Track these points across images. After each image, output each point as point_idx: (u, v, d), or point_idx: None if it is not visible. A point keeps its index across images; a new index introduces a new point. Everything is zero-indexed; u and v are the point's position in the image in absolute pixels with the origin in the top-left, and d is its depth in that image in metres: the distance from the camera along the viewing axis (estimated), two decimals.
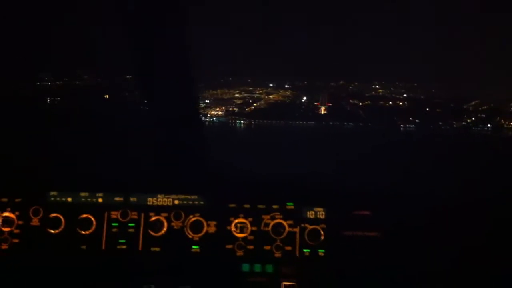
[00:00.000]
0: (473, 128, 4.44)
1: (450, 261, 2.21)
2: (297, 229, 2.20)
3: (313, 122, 4.43)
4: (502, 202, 2.44)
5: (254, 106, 4.56)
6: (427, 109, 4.35)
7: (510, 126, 4.41)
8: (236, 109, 4.55)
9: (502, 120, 4.43)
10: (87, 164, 2.40)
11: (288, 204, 2.21)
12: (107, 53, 2.93)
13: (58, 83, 3.49)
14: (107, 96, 3.36)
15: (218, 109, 4.50)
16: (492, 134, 4.38)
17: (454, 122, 4.45)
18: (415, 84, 4.33)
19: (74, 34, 2.98)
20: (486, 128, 4.45)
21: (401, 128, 4.40)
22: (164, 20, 2.25)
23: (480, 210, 2.37)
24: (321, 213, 2.22)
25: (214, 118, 4.47)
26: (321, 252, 2.21)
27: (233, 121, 4.45)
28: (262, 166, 2.57)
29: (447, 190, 2.53)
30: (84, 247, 2.16)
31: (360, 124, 4.40)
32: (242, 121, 4.46)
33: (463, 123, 4.45)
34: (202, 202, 2.20)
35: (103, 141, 2.69)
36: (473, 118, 4.46)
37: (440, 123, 4.42)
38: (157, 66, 2.32)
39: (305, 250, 2.20)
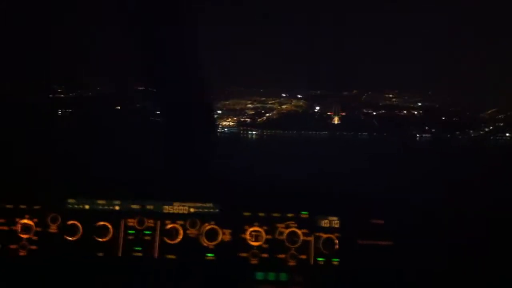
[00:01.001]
0: (491, 137, 4.49)
1: (465, 268, 2.29)
2: (311, 238, 2.30)
3: (326, 132, 4.52)
4: None
5: (266, 116, 4.66)
6: (443, 118, 4.42)
7: None
8: (248, 120, 4.66)
9: None
10: (105, 172, 2.52)
11: (302, 213, 2.31)
12: (121, 63, 3.07)
13: (71, 94, 3.63)
14: (121, 105, 3.49)
15: (229, 119, 4.61)
16: (509, 143, 4.43)
17: (471, 131, 4.51)
18: (430, 93, 4.40)
19: (87, 42, 3.12)
20: (503, 137, 4.50)
21: (417, 138, 4.47)
22: (177, 30, 2.38)
23: (495, 219, 2.45)
24: (335, 222, 2.31)
25: (226, 129, 4.58)
26: (335, 261, 2.30)
27: (245, 131, 4.56)
28: (276, 175, 2.67)
29: (461, 199, 2.62)
30: (101, 254, 2.28)
31: (375, 133, 4.47)
32: (254, 132, 4.56)
33: (481, 132, 4.51)
34: (217, 210, 2.31)
35: (120, 149, 2.81)
36: (490, 127, 4.52)
37: (457, 132, 4.49)
38: (170, 75, 2.45)
39: (319, 259, 2.30)
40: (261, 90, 4.71)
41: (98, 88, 3.64)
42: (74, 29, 3.17)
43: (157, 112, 2.69)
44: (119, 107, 3.51)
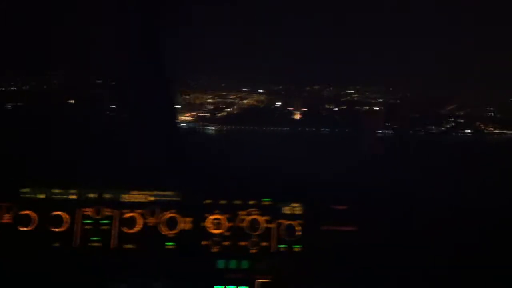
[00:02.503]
0: (453, 133, 4.69)
1: (425, 254, 2.44)
2: (273, 225, 2.39)
3: (287, 128, 4.62)
4: (477, 204, 2.70)
5: (227, 111, 4.72)
6: (404, 113, 4.60)
7: (490, 130, 4.69)
8: (208, 115, 4.70)
9: (481, 124, 4.71)
10: (60, 161, 2.54)
11: (264, 200, 2.41)
12: (76, 54, 3.08)
13: (31, 83, 3.62)
14: (79, 94, 3.51)
15: (188, 114, 4.64)
16: (471, 139, 4.63)
17: (432, 127, 4.70)
18: (390, 89, 4.58)
19: (45, 33, 3.12)
20: (465, 133, 4.70)
21: (379, 133, 4.64)
22: (137, 23, 2.45)
23: (452, 209, 2.62)
24: (297, 208, 2.42)
25: (184, 124, 4.61)
26: (297, 248, 2.40)
27: (204, 127, 4.60)
28: (238, 164, 2.75)
29: (422, 187, 2.78)
30: (56, 244, 2.30)
31: (336, 129, 4.60)
32: (213, 127, 4.61)
33: (442, 128, 4.71)
34: (177, 198, 2.37)
35: (76, 137, 2.84)
36: (452, 124, 4.72)
37: (418, 128, 4.68)
38: (131, 65, 2.51)
39: (281, 246, 2.40)
40: (223, 85, 4.77)
41: (55, 82, 3.64)
42: (27, 17, 3.17)
43: (116, 101, 2.73)
44: (76, 97, 3.52)
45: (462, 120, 4.70)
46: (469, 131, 4.67)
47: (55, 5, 3.01)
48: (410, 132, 4.66)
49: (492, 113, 4.58)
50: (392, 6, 3.98)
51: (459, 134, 4.66)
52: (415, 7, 3.86)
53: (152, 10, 2.55)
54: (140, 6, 2.49)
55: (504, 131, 4.62)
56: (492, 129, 4.64)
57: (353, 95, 4.65)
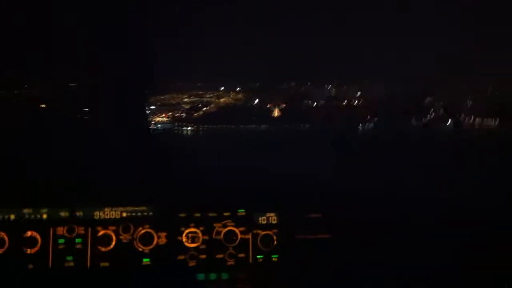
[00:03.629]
0: (433, 127, 4.78)
1: (403, 260, 2.52)
2: (249, 236, 2.45)
3: (266, 125, 4.67)
4: (461, 202, 2.78)
5: (203, 110, 4.75)
6: (382, 107, 4.67)
7: (471, 122, 4.78)
8: (184, 115, 4.72)
9: (462, 115, 4.80)
10: (30, 179, 2.55)
11: (239, 210, 2.46)
12: (47, 57, 3.08)
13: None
14: (46, 104, 3.49)
15: (163, 115, 4.65)
16: (453, 131, 4.72)
17: (413, 120, 4.78)
18: (367, 83, 4.64)
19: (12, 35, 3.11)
20: (446, 125, 4.79)
21: (359, 128, 4.71)
22: (111, 23, 2.46)
23: (437, 211, 2.69)
24: (273, 218, 2.48)
25: (159, 125, 4.62)
26: (274, 257, 2.46)
27: (180, 127, 4.62)
28: (211, 173, 2.79)
29: (402, 190, 2.84)
30: (30, 266, 2.33)
31: (316, 125, 4.66)
32: (189, 128, 4.64)
33: (422, 121, 4.79)
34: (151, 213, 2.41)
35: (44, 153, 2.85)
36: (432, 115, 4.81)
37: (398, 122, 4.76)
38: (102, 71, 2.53)
39: (258, 256, 2.46)
40: (199, 84, 4.79)
41: (26, 86, 3.62)
42: None
43: (86, 112, 2.74)
44: (44, 106, 3.50)
45: (442, 112, 4.77)
46: (450, 123, 4.75)
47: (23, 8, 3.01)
48: (391, 126, 4.71)
49: (470, 103, 4.67)
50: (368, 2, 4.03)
51: (440, 126, 4.73)
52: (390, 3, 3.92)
53: (125, 11, 2.56)
54: (112, 8, 2.50)
55: (485, 122, 4.70)
56: (474, 119, 4.73)
57: (331, 90, 4.71)
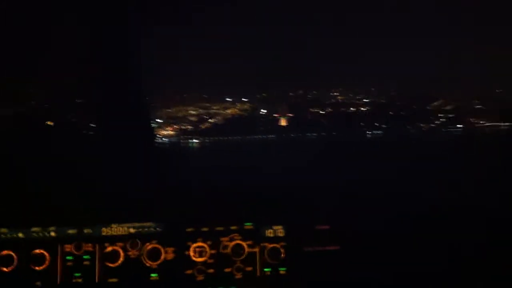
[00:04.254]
0: (443, 130, 4.79)
1: (412, 270, 2.54)
2: (257, 249, 2.49)
3: (273, 136, 4.71)
4: (477, 210, 2.78)
5: (210, 122, 4.81)
6: (391, 113, 4.70)
7: (481, 124, 4.78)
8: (190, 127, 4.78)
9: (471, 119, 4.81)
10: (37, 198, 2.61)
11: (246, 224, 2.50)
12: (54, 74, 3.15)
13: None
14: (52, 119, 3.56)
15: (170, 128, 4.71)
16: (463, 134, 4.73)
17: (422, 124, 4.80)
18: (373, 89, 4.68)
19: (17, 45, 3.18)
20: (456, 129, 4.79)
21: (368, 135, 4.73)
22: (115, 34, 2.52)
23: (454, 222, 2.70)
24: (280, 231, 2.52)
25: (165, 139, 4.68)
26: (282, 270, 2.50)
27: (186, 140, 4.67)
28: (217, 187, 2.84)
29: (412, 200, 2.85)
30: (38, 283, 2.39)
31: (323, 133, 4.69)
32: (195, 140, 4.68)
33: (432, 124, 4.80)
34: (158, 229, 2.46)
35: (52, 172, 2.91)
36: (441, 120, 4.82)
37: (408, 127, 4.77)
38: (108, 87, 2.59)
39: (266, 269, 2.49)
40: (205, 96, 4.85)
41: (32, 102, 3.70)
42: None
43: (92, 128, 2.79)
44: (50, 123, 3.57)
45: (451, 115, 4.78)
46: (460, 126, 4.75)
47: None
48: (400, 131, 4.72)
49: (480, 106, 4.68)
50: (372, 5, 4.08)
51: (450, 129, 4.73)
52: (394, 7, 3.97)
53: (129, 25, 2.62)
54: (115, 20, 2.57)
55: (495, 124, 4.70)
56: (483, 122, 4.74)
57: (337, 97, 4.75)
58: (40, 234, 2.42)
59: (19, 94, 3.61)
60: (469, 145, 4.51)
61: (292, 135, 4.69)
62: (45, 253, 2.39)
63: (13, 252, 2.38)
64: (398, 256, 2.53)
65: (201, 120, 4.81)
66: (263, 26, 4.17)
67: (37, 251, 2.39)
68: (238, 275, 2.45)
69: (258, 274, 2.46)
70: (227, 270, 2.45)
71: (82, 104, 3.49)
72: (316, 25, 4.19)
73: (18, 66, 3.33)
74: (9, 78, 3.36)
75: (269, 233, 2.50)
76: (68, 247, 2.41)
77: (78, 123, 3.70)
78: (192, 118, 4.78)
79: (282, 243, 2.49)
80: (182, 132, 4.69)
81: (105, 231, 2.44)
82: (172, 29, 3.72)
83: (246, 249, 2.46)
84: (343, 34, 4.21)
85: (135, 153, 2.70)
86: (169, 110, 4.71)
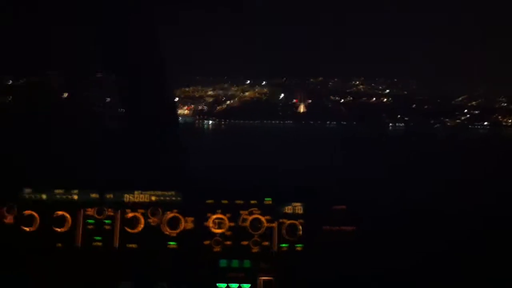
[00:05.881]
0: (469, 126, 4.91)
1: (426, 257, 2.72)
2: (275, 224, 2.65)
3: (291, 121, 4.86)
4: (499, 206, 2.93)
5: (227, 104, 4.97)
6: (413, 105, 4.84)
7: (508, 123, 4.90)
8: (206, 108, 4.94)
9: (499, 117, 4.94)
10: (62, 161, 2.80)
11: (266, 199, 2.67)
12: (76, 52, 3.33)
13: (31, 80, 3.84)
14: (79, 95, 3.75)
15: (186, 108, 4.89)
16: (491, 132, 4.83)
17: (446, 119, 4.93)
18: (395, 80, 4.81)
19: (43, 32, 3.36)
20: (483, 126, 4.91)
21: (390, 127, 4.87)
22: (135, 16, 2.70)
23: (470, 212, 2.87)
24: (298, 208, 2.69)
25: (180, 118, 4.82)
26: (299, 247, 2.66)
27: (200, 121, 4.83)
28: (239, 163, 3.02)
29: (429, 186, 3.03)
30: (59, 244, 2.57)
31: (343, 123, 4.84)
32: (210, 121, 4.84)
33: (457, 120, 4.93)
34: (179, 198, 2.64)
35: (78, 138, 3.09)
36: (467, 116, 4.94)
37: (431, 121, 4.91)
38: (130, 63, 2.78)
39: (283, 245, 2.66)
40: (225, 77, 5.00)
41: (54, 77, 3.87)
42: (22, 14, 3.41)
43: (116, 101, 2.96)
44: (76, 97, 3.76)
45: (476, 112, 4.89)
46: (486, 123, 4.85)
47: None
48: (423, 125, 4.81)
49: (504, 104, 4.79)
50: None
51: (476, 127, 4.85)
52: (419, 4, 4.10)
53: (152, 5, 2.80)
54: (139, 2, 2.74)
55: None
56: (510, 121, 4.86)
57: (359, 86, 4.89)
58: (63, 197, 2.60)
59: (36, 67, 3.80)
60: (496, 144, 4.59)
61: (311, 122, 4.83)
62: (67, 215, 2.57)
63: (35, 212, 2.56)
64: (413, 239, 2.70)
65: (218, 101, 4.97)
66: (288, 12, 4.30)
67: (59, 213, 2.57)
68: (255, 249, 2.61)
69: (274, 249, 2.64)
70: (244, 243, 2.61)
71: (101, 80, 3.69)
72: (341, 13, 4.32)
73: (37, 43, 3.52)
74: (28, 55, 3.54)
75: (288, 209, 2.65)
76: (90, 211, 2.59)
77: (102, 98, 3.90)
78: (209, 99, 4.95)
79: (300, 221, 2.65)
80: (198, 112, 4.86)
81: (127, 197, 2.62)
82: (197, 12, 3.86)
83: (265, 224, 2.62)
84: (370, 27, 4.33)
85: (160, 126, 2.88)
86: (187, 89, 4.88)
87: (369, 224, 2.69)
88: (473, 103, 4.82)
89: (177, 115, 3.21)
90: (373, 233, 2.63)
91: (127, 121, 2.85)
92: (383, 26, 4.24)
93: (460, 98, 4.84)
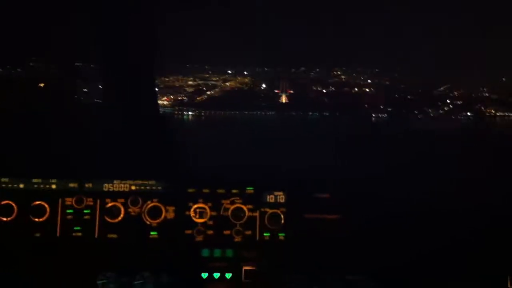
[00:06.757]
0: (452, 117, 4.96)
1: (409, 243, 2.79)
2: (257, 214, 2.72)
3: (273, 113, 4.89)
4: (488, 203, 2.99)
5: (207, 94, 4.98)
6: (396, 95, 4.90)
7: (492, 113, 4.97)
8: (186, 98, 4.95)
9: (482, 107, 5.00)
10: (40, 150, 2.82)
11: (248, 188, 2.73)
12: (57, 41, 3.35)
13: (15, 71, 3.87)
14: (58, 82, 3.77)
15: (165, 98, 4.88)
16: (474, 123, 4.89)
17: (429, 110, 4.98)
18: (377, 70, 4.87)
19: (22, 19, 3.37)
20: (466, 117, 4.97)
21: (373, 118, 4.92)
22: (119, 7, 2.74)
23: (455, 206, 2.93)
24: (281, 197, 2.75)
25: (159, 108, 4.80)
26: (281, 236, 2.73)
27: (180, 112, 4.84)
28: (221, 152, 3.07)
29: (408, 175, 3.10)
30: (38, 234, 2.61)
31: (325, 113, 4.88)
32: (190, 113, 4.86)
33: (440, 111, 4.98)
34: (160, 188, 2.69)
35: (56, 126, 3.12)
36: (450, 106, 5.00)
37: (415, 111, 4.96)
38: (107, 51, 2.81)
39: (265, 234, 2.73)
40: (206, 67, 5.02)
41: (32, 65, 3.88)
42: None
43: (97, 91, 2.99)
44: (55, 85, 3.78)
45: (459, 102, 4.95)
46: (469, 114, 4.92)
47: None
48: (407, 116, 4.87)
49: (486, 94, 4.87)
50: None
51: (459, 117, 4.91)
52: None
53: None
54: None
55: (507, 114, 4.88)
56: (493, 111, 4.93)
57: (341, 77, 4.94)
58: (41, 186, 2.63)
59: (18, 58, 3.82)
60: (479, 135, 4.67)
61: (293, 113, 4.87)
62: (46, 205, 2.60)
63: (13, 202, 2.59)
64: (395, 229, 2.77)
65: (198, 91, 4.98)
66: (271, 2, 4.33)
67: (37, 202, 2.60)
68: (237, 238, 2.68)
69: (257, 238, 2.70)
70: (226, 232, 2.68)
71: (82, 68, 3.71)
72: (324, 2, 4.36)
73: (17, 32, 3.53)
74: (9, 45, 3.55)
75: (270, 198, 2.72)
76: (69, 200, 2.63)
77: (82, 86, 3.91)
78: (189, 89, 4.95)
79: (283, 209, 2.72)
80: (178, 103, 4.86)
81: (107, 186, 2.66)
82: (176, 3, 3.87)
83: (247, 213, 2.69)
84: (348, 11, 4.38)
85: (141, 115, 2.92)
86: (167, 79, 4.89)
87: (353, 212, 2.75)
88: (456, 93, 4.88)
89: (157, 105, 3.25)
90: (357, 222, 2.69)
91: (107, 111, 2.89)
92: (366, 16, 4.27)
93: (442, 88, 4.90)
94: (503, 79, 4.78)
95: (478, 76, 4.73)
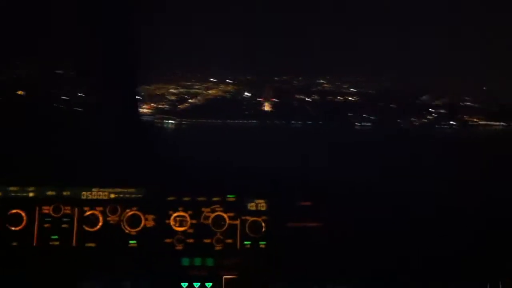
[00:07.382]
0: (436, 126, 5.02)
1: (391, 250, 2.82)
2: (238, 222, 2.74)
3: (255, 121, 4.90)
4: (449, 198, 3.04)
5: (189, 102, 4.99)
6: (380, 104, 4.95)
7: (475, 122, 5.03)
8: (168, 107, 4.95)
9: (465, 116, 5.06)
10: (17, 157, 2.82)
11: (229, 196, 2.75)
12: (37, 48, 3.36)
13: None
14: (39, 87, 3.77)
15: (146, 106, 4.88)
16: (458, 131, 4.95)
17: (414, 119, 5.03)
18: (361, 79, 4.92)
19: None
20: (450, 126, 5.02)
21: (356, 126, 4.95)
22: (102, 13, 2.75)
23: (428, 205, 2.98)
24: (262, 205, 2.78)
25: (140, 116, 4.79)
26: (262, 244, 2.75)
27: (161, 120, 4.84)
28: (201, 160, 3.08)
29: (393, 183, 3.14)
30: (15, 243, 2.60)
31: (309, 122, 4.91)
32: (171, 121, 4.85)
33: (424, 120, 5.04)
34: (139, 195, 2.70)
35: (33, 134, 3.11)
36: (433, 115, 5.06)
37: (398, 120, 5.01)
38: (90, 59, 2.83)
39: (246, 242, 2.75)
40: (188, 75, 5.03)
41: (11, 71, 3.88)
42: None
43: (76, 96, 3.00)
44: (35, 90, 3.78)
45: (443, 111, 5.00)
46: (454, 123, 4.97)
47: None
48: (391, 125, 4.91)
49: (469, 103, 4.94)
50: None
51: (443, 126, 4.96)
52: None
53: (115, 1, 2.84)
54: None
55: (490, 123, 4.94)
56: (476, 120, 4.98)
57: (324, 85, 4.98)
58: (18, 194, 2.63)
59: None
60: (463, 144, 4.72)
61: (276, 121, 4.89)
62: (22, 213, 2.60)
63: None
64: (378, 237, 2.81)
65: (181, 100, 4.98)
66: (254, 8, 4.37)
67: (14, 211, 2.60)
68: (218, 247, 2.70)
69: (238, 246, 2.72)
70: (207, 241, 2.69)
71: (64, 75, 3.71)
72: (307, 11, 4.41)
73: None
74: None
75: (251, 206, 2.75)
76: (47, 209, 2.63)
77: (60, 92, 3.91)
78: (171, 97, 4.96)
79: (264, 217, 2.74)
80: (159, 111, 4.86)
81: (85, 194, 2.67)
82: (158, 5, 3.90)
83: (227, 221, 2.70)
84: (332, 21, 4.43)
85: (121, 122, 2.93)
86: (148, 87, 4.89)
87: (334, 220, 2.77)
88: (438, 102, 4.93)
89: (138, 112, 3.26)
90: (339, 230, 2.72)
91: (86, 118, 2.89)
92: (349, 26, 4.33)
93: (423, 97, 4.95)
94: (484, 88, 4.85)
95: (462, 85, 4.79)
